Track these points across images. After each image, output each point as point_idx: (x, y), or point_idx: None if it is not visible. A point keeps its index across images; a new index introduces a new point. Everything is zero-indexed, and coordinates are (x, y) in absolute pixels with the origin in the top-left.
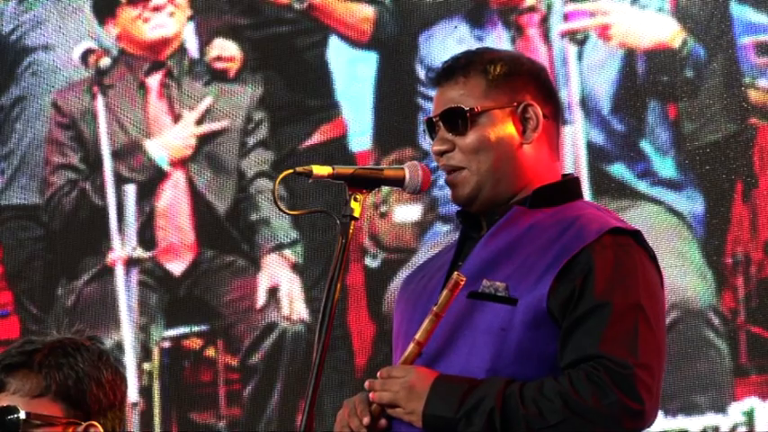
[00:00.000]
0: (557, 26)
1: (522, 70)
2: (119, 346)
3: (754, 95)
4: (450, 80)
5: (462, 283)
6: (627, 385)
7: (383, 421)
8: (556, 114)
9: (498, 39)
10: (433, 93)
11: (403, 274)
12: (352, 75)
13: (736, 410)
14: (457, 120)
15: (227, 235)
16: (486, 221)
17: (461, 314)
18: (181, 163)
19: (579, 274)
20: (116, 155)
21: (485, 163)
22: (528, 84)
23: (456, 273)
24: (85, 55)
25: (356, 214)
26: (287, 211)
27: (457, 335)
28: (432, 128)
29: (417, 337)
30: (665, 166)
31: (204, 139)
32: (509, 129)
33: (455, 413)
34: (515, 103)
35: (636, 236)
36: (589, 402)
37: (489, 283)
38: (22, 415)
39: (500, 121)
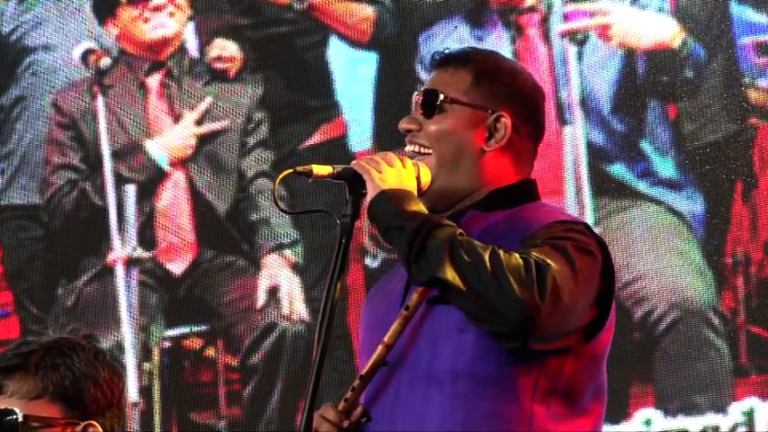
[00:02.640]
0: (557, 26)
1: (512, 83)
2: (119, 346)
3: (754, 95)
4: (442, 67)
5: None
6: (541, 281)
7: (359, 409)
8: (535, 136)
9: (498, 39)
10: None
11: None
12: (352, 75)
13: (736, 410)
14: (429, 103)
15: (227, 235)
16: None
17: (422, 318)
18: (181, 163)
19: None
20: (116, 155)
21: (445, 152)
22: (512, 98)
23: None
24: (86, 55)
25: (356, 214)
26: (287, 210)
27: (418, 339)
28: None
29: (386, 339)
30: (665, 166)
31: (204, 139)
32: (474, 130)
33: (402, 210)
34: (490, 111)
35: (585, 224)
36: (504, 268)
37: None
38: (20, 417)
39: (467, 119)
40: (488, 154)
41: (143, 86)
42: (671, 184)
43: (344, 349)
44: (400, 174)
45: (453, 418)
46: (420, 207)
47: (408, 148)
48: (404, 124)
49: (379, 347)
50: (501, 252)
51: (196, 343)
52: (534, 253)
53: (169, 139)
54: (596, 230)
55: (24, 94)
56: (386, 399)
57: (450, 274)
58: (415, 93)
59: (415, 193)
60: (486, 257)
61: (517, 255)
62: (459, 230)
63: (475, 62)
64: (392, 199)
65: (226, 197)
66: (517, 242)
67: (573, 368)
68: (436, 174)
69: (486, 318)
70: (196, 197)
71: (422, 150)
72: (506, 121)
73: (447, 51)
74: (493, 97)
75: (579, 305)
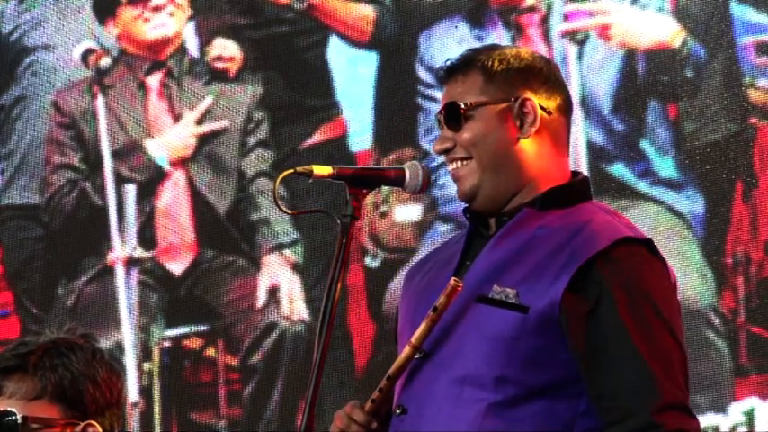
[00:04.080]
0: (557, 26)
1: (521, 65)
2: (119, 346)
3: (754, 95)
4: (451, 78)
5: (459, 288)
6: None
7: (374, 424)
8: (563, 108)
9: (498, 39)
10: (432, 92)
11: (403, 274)
12: (352, 75)
13: (736, 410)
14: (453, 116)
15: (227, 235)
16: (495, 221)
17: (469, 319)
18: (181, 163)
19: (593, 292)
20: (116, 155)
21: (484, 156)
22: (528, 78)
23: (453, 279)
24: (86, 55)
25: (356, 214)
26: (287, 211)
27: (465, 340)
28: (440, 125)
29: (413, 340)
30: (665, 166)
31: (204, 139)
32: (505, 123)
33: None
34: (513, 99)
35: (648, 244)
36: None
37: (500, 289)
38: (20, 418)
39: (495, 115)
40: (525, 141)
41: (143, 86)
42: (671, 184)
43: (344, 349)
44: None
45: (492, 423)
46: None
47: (450, 167)
48: (438, 146)
49: (407, 348)
50: None
51: (196, 343)
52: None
53: (169, 139)
54: None
55: (24, 93)
56: (418, 394)
57: None
58: (436, 113)
59: None
60: None
61: None
62: None
63: (479, 61)
64: None
65: (226, 197)
66: (574, 244)
67: None
68: (481, 179)
69: None
70: (196, 197)
71: (464, 163)
72: (531, 103)
73: (449, 63)
74: (510, 86)
75: (682, 348)
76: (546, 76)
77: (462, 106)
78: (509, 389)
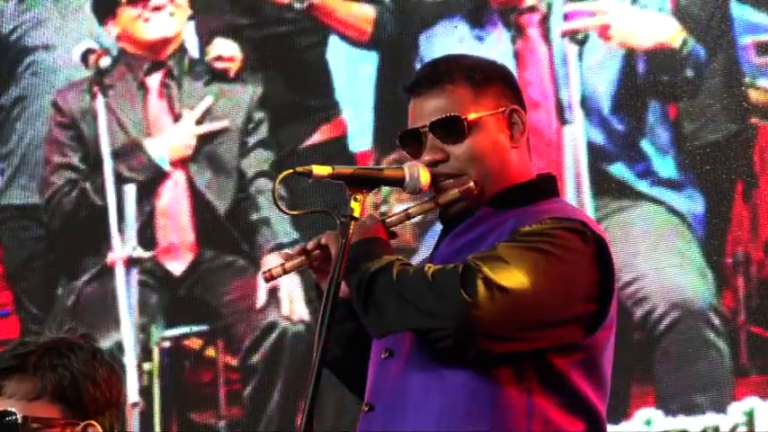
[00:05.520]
0: (557, 26)
1: (498, 74)
2: (119, 346)
3: (754, 95)
4: (434, 88)
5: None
6: (468, 277)
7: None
8: (525, 111)
9: (498, 39)
10: None
11: None
12: (353, 75)
13: (736, 410)
14: (452, 128)
15: (228, 235)
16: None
17: None
18: (181, 163)
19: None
20: (116, 155)
21: (481, 171)
22: (506, 88)
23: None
24: (85, 55)
25: (356, 214)
26: (287, 211)
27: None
28: (411, 139)
29: None
30: (665, 166)
31: (204, 139)
32: (500, 134)
33: (350, 265)
34: (502, 108)
35: (583, 222)
36: (435, 280)
37: None
38: (20, 418)
39: (491, 127)
40: (514, 151)
41: (143, 86)
42: (671, 184)
43: None
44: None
45: (455, 413)
46: (365, 250)
47: (445, 182)
48: (428, 157)
49: None
50: (432, 266)
51: (196, 343)
52: (479, 256)
53: (169, 139)
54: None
55: (24, 93)
56: (385, 391)
57: (398, 320)
58: (420, 128)
59: (372, 233)
60: (420, 277)
61: (443, 266)
62: (394, 262)
63: (462, 71)
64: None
65: (226, 197)
66: (517, 224)
67: (565, 363)
68: (483, 187)
69: (430, 325)
70: (196, 197)
71: (456, 180)
72: (519, 112)
73: (423, 74)
74: (495, 95)
75: (545, 300)
76: (515, 83)
77: (464, 119)
78: (461, 375)
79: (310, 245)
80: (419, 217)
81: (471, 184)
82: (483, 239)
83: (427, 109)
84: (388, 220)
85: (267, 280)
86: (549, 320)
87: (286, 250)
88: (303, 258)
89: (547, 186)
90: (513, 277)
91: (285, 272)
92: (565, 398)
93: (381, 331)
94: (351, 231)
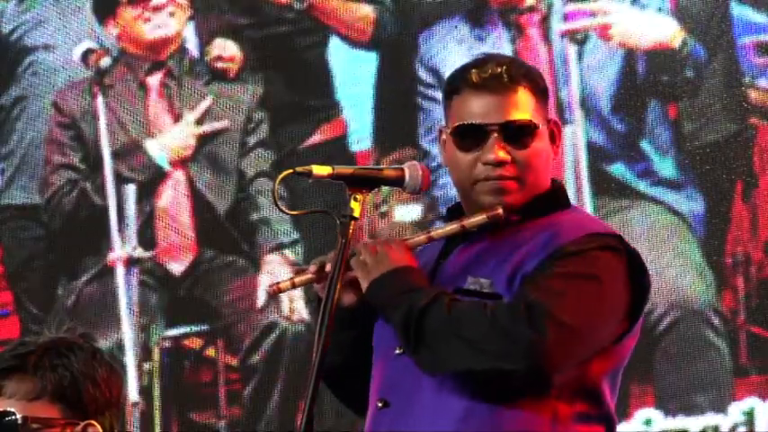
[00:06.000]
0: (557, 26)
1: (545, 85)
2: (119, 346)
3: (754, 95)
4: (507, 88)
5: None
6: (535, 316)
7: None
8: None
9: (498, 39)
10: (432, 92)
11: None
12: (353, 75)
13: (736, 410)
14: (523, 132)
15: (228, 235)
16: None
17: None
18: (181, 163)
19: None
20: (116, 155)
21: (534, 178)
22: (547, 96)
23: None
24: (86, 55)
25: (356, 214)
26: (287, 211)
27: None
28: (472, 133)
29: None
30: (665, 166)
31: (204, 139)
32: (549, 146)
33: (390, 297)
34: (549, 120)
35: (616, 236)
36: (499, 320)
37: (474, 280)
38: (20, 419)
39: (545, 137)
40: (551, 162)
41: (143, 86)
42: (671, 184)
43: None
44: (381, 258)
45: (476, 413)
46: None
47: (498, 183)
48: (503, 156)
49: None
50: (488, 303)
51: (196, 343)
52: (535, 286)
53: (169, 139)
54: None
55: (24, 93)
56: (400, 387)
57: (459, 360)
58: (489, 124)
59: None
60: (479, 314)
61: (503, 302)
62: (442, 296)
63: (532, 76)
64: (375, 288)
65: (226, 197)
66: (542, 236)
67: (598, 369)
68: (528, 191)
69: (501, 366)
70: (196, 197)
71: (511, 183)
72: (558, 123)
73: (494, 72)
74: (546, 106)
75: (596, 327)
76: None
77: (536, 125)
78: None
79: (328, 267)
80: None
81: (500, 211)
82: (502, 243)
83: (498, 107)
84: (409, 242)
85: (274, 293)
86: (602, 346)
87: (286, 250)
88: (313, 276)
89: (562, 196)
90: (575, 311)
91: (294, 286)
92: (589, 404)
93: (438, 371)
94: (350, 231)
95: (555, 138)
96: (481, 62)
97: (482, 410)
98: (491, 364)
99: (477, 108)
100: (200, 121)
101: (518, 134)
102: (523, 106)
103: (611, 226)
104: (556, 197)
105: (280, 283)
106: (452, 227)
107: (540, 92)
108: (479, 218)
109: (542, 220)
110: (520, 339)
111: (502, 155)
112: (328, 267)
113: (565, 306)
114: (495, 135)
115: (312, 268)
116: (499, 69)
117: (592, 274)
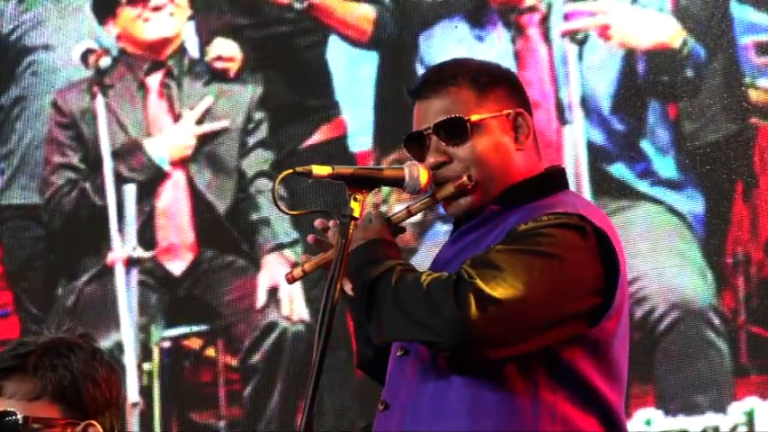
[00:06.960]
0: (557, 26)
1: (504, 78)
2: (119, 346)
3: (754, 95)
4: (437, 91)
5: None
6: (460, 291)
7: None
8: (531, 114)
9: (498, 39)
10: None
11: None
12: (353, 75)
13: (736, 410)
14: (456, 130)
15: (228, 235)
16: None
17: None
18: (181, 163)
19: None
20: (116, 155)
21: (484, 173)
22: (511, 91)
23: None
24: (85, 55)
25: (356, 214)
26: (287, 211)
27: None
28: (415, 142)
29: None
30: (666, 166)
31: (204, 139)
32: (504, 137)
33: (355, 268)
34: (506, 112)
35: (580, 216)
36: (431, 294)
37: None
38: (20, 419)
39: (495, 129)
40: (519, 153)
41: (143, 86)
42: (671, 184)
43: (345, 349)
44: (356, 234)
45: (462, 405)
46: (369, 252)
47: (447, 188)
48: (432, 159)
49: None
50: (431, 274)
51: (196, 343)
52: (473, 263)
53: (169, 139)
54: None
55: (24, 93)
56: (406, 388)
57: (398, 330)
58: (424, 130)
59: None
60: (416, 286)
61: (442, 275)
62: (395, 267)
63: (466, 74)
64: (348, 263)
65: (226, 197)
66: (516, 221)
67: (574, 354)
68: (486, 188)
69: (425, 338)
70: (196, 197)
71: (460, 182)
72: (524, 115)
73: (427, 77)
74: (498, 99)
75: (540, 303)
76: (520, 86)
77: (467, 120)
78: (467, 372)
79: (329, 234)
80: (419, 216)
81: (465, 178)
82: (483, 239)
83: (431, 111)
84: (392, 218)
85: (290, 281)
86: (549, 321)
87: (286, 250)
88: (321, 255)
89: (551, 181)
90: (507, 286)
91: (305, 273)
92: (574, 391)
93: (379, 340)
94: (351, 231)
95: (519, 127)
96: (425, 72)
97: (468, 402)
98: (423, 336)
99: (416, 117)
100: (200, 121)
101: (451, 133)
102: (457, 104)
103: (592, 208)
104: (540, 183)
105: (293, 271)
106: (426, 200)
107: (483, 85)
108: (448, 189)
109: (529, 205)
110: (443, 313)
111: (432, 159)
112: (330, 234)
113: (497, 281)
114: (433, 139)
115: (310, 238)
116: (432, 73)
117: (540, 251)
